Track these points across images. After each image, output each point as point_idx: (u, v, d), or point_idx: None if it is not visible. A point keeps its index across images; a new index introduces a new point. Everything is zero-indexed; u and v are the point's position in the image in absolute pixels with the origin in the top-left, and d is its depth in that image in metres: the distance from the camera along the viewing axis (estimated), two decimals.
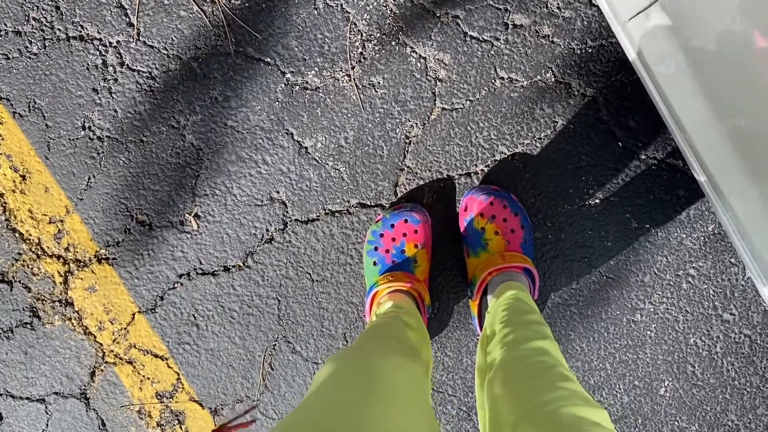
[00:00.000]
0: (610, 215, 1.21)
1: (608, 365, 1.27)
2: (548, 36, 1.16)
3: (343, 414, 0.61)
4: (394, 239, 1.15)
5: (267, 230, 1.26)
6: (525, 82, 1.18)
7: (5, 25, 1.23)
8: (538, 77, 1.17)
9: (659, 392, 1.27)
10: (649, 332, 1.25)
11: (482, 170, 1.21)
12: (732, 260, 1.21)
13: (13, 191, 1.28)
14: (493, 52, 1.17)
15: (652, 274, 1.23)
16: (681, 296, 1.23)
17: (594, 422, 0.67)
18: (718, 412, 1.28)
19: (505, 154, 1.20)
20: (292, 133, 1.22)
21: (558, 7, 1.15)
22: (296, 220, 1.25)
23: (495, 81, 1.18)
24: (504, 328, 0.95)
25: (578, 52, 1.16)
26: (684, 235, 1.21)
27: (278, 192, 1.24)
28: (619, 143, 1.18)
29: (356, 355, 0.80)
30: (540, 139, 1.19)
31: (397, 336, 0.95)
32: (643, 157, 1.18)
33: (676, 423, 1.29)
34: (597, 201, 1.21)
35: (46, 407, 1.36)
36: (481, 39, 1.17)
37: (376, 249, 1.16)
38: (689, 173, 1.18)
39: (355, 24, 1.18)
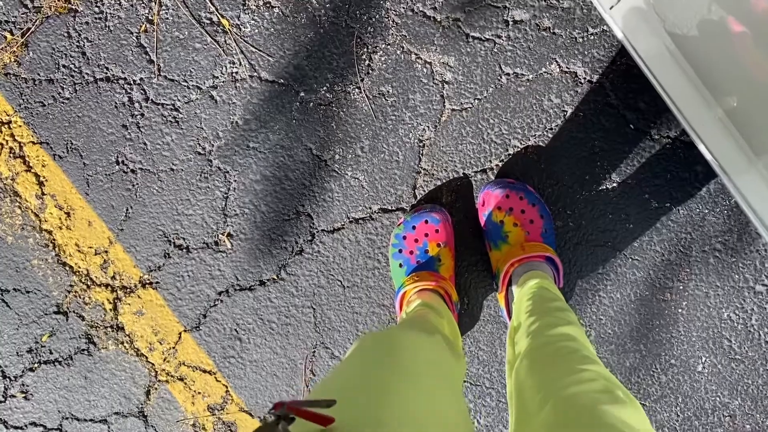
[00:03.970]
0: (629, 198, 1.22)
1: (642, 346, 1.27)
2: (549, 28, 1.18)
3: (363, 382, 0.63)
4: (416, 240, 1.19)
5: (296, 242, 1.31)
6: (531, 76, 1.20)
7: (38, 74, 1.32)
8: (543, 69, 1.19)
9: (697, 369, 1.27)
10: (680, 310, 1.25)
11: (497, 165, 1.23)
12: (758, 232, 1.20)
13: (60, 228, 1.37)
14: (496, 50, 1.20)
15: (678, 252, 1.23)
16: (710, 271, 1.23)
17: (613, 399, 0.68)
18: (760, 384, 1.27)
19: (518, 147, 1.22)
20: (310, 148, 1.27)
21: None
22: (323, 230, 1.30)
23: (501, 78, 1.21)
24: (529, 317, 0.97)
25: (581, 40, 1.18)
26: (706, 210, 1.21)
27: (303, 205, 1.29)
28: (631, 126, 1.19)
29: (381, 332, 0.84)
30: (551, 129, 1.21)
31: (428, 326, 0.98)
32: (656, 136, 1.19)
33: (718, 399, 1.28)
34: (614, 185, 1.22)
35: (109, 427, 1.45)
36: (483, 38, 1.20)
37: (400, 251, 1.20)
38: None
39: (360, 38, 1.23)
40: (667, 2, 0.72)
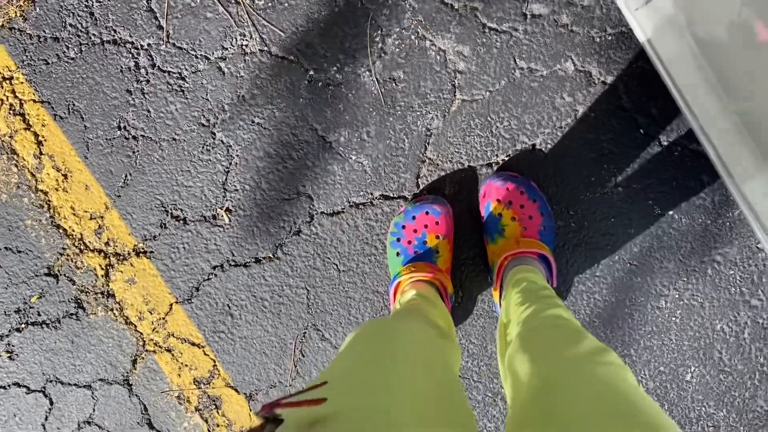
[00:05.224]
0: (633, 202, 1.21)
1: (633, 351, 1.28)
2: (567, 25, 1.16)
3: (357, 374, 0.63)
4: (415, 231, 1.18)
5: (295, 223, 1.30)
6: (545, 72, 1.18)
7: (44, 32, 1.29)
8: (558, 66, 1.18)
9: (685, 378, 1.28)
10: (674, 318, 1.25)
11: (503, 160, 1.22)
12: (759, 246, 1.20)
13: (56, 189, 1.35)
14: (512, 43, 1.18)
15: (677, 261, 1.22)
16: (707, 282, 1.23)
17: (604, 360, 0.69)
18: (746, 398, 1.27)
19: (526, 143, 1.21)
20: (316, 129, 1.26)
21: None
22: (322, 212, 1.29)
23: (514, 71, 1.19)
24: (519, 307, 0.97)
25: (598, 40, 1.16)
26: (709, 221, 1.20)
27: (304, 186, 1.28)
28: (641, 130, 1.18)
29: (375, 320, 0.84)
30: (561, 128, 1.20)
31: (421, 317, 0.98)
32: (665, 143, 1.18)
33: (704, 409, 1.28)
34: (620, 189, 1.21)
35: (93, 393, 1.44)
36: (499, 30, 1.18)
37: (398, 240, 1.19)
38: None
39: (374, 19, 1.21)
40: (697, 6, 0.71)
